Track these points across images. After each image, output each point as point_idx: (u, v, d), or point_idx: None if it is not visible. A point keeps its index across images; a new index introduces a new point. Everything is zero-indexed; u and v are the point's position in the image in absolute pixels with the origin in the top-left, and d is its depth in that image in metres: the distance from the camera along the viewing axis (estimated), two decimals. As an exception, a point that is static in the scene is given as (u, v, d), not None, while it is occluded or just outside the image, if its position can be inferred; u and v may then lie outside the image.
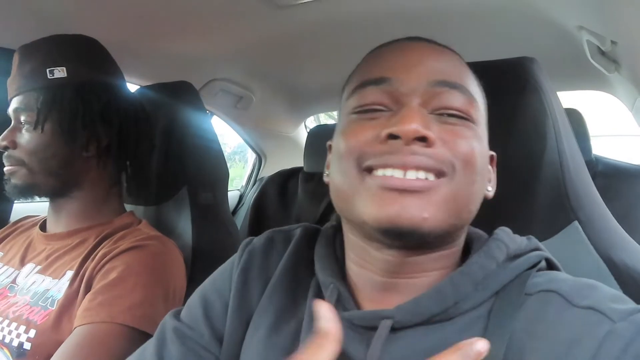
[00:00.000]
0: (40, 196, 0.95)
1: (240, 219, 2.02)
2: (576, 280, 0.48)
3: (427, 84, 0.50)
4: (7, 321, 0.82)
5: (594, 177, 0.72)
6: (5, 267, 0.93)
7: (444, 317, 0.48)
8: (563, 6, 1.04)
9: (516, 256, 0.52)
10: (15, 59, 0.95)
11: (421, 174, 0.46)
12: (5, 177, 0.93)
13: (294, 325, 0.55)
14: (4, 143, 0.91)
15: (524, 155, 0.68)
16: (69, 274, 0.86)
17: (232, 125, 2.03)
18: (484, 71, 0.73)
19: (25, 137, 0.91)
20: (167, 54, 1.39)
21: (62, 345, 0.76)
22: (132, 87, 1.24)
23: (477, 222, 0.59)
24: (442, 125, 0.49)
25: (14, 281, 0.90)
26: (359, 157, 0.49)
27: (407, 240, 0.48)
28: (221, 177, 1.26)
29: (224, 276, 0.63)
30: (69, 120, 0.91)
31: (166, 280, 0.88)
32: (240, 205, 2.15)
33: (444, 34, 1.27)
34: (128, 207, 1.08)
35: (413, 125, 0.46)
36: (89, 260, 0.87)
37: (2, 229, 1.06)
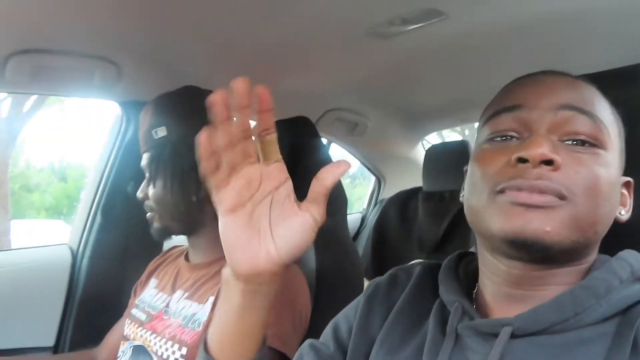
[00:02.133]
0: (175, 235, 1.10)
1: (363, 241, 2.07)
2: None
3: (556, 108, 0.54)
4: (164, 339, 0.96)
5: None
6: (161, 293, 1.09)
7: (565, 327, 0.50)
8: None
9: None
10: (141, 116, 1.11)
11: (545, 197, 0.50)
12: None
13: (416, 342, 0.60)
14: (141, 195, 1.09)
15: None
16: (211, 299, 0.97)
17: (350, 151, 2.11)
18: (610, 81, 0.68)
19: (150, 190, 1.07)
20: (284, 91, 1.48)
21: None
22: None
23: (611, 249, 0.57)
24: (569, 152, 0.52)
25: (167, 305, 1.04)
26: (493, 184, 0.53)
27: (531, 252, 0.51)
28: (340, 203, 1.32)
29: (352, 306, 0.71)
30: (170, 174, 1.04)
31: (293, 303, 0.95)
32: (362, 228, 2.20)
33: (556, 45, 1.20)
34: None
35: (539, 150, 0.50)
36: (226, 285, 0.98)
37: (157, 257, 1.24)
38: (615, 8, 1.00)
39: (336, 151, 2.07)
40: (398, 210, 1.97)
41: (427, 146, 2.01)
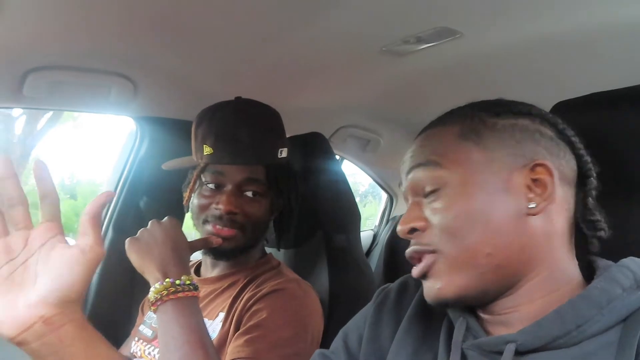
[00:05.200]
0: (228, 258, 1.04)
1: (375, 259, 2.05)
2: None
3: (407, 172, 0.61)
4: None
5: None
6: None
7: (569, 340, 0.49)
8: None
9: None
10: (224, 121, 0.99)
11: (422, 261, 0.57)
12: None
13: (430, 358, 0.60)
14: (234, 209, 0.96)
15: None
16: (221, 315, 0.96)
17: (362, 168, 2.10)
18: (615, 101, 0.68)
19: (249, 204, 1.00)
20: (298, 107, 1.49)
21: None
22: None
23: (606, 255, 0.56)
24: (429, 205, 0.58)
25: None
26: None
27: (454, 306, 0.59)
28: (353, 219, 1.32)
29: (362, 314, 0.71)
30: (276, 195, 1.03)
31: (304, 322, 0.94)
32: (374, 245, 2.19)
33: (565, 66, 1.19)
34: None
35: (400, 227, 0.59)
36: (237, 302, 0.97)
37: None
38: (621, 30, 0.99)
39: (348, 168, 2.06)
40: (410, 228, 1.94)
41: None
